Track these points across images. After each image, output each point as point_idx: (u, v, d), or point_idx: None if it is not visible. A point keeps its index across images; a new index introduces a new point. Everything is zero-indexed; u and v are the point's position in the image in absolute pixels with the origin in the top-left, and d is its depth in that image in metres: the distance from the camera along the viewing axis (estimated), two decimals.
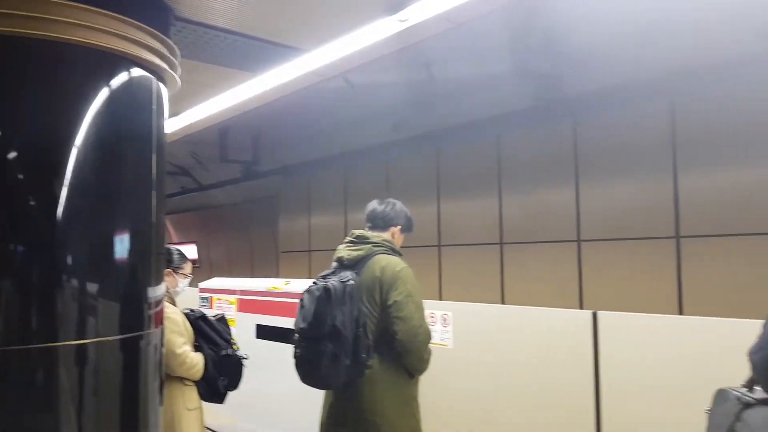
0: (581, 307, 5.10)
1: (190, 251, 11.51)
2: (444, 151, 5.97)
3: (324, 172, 7.25)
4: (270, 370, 3.99)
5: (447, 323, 3.27)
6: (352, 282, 2.45)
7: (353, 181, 6.98)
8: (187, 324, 2.98)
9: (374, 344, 2.49)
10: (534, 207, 5.37)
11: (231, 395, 4.39)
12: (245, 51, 2.93)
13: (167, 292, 3.06)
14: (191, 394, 2.94)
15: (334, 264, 2.66)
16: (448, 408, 3.25)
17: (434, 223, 6.15)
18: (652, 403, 2.46)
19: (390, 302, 2.45)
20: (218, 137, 6.85)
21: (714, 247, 4.21)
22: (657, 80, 4.07)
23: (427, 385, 3.32)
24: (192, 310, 3.08)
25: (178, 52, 2.53)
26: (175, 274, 3.08)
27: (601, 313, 2.69)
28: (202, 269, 11.24)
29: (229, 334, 3.10)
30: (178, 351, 2.85)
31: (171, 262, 3.09)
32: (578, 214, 4.99)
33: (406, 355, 2.46)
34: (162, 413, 2.48)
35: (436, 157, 6.04)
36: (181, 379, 2.92)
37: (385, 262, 2.53)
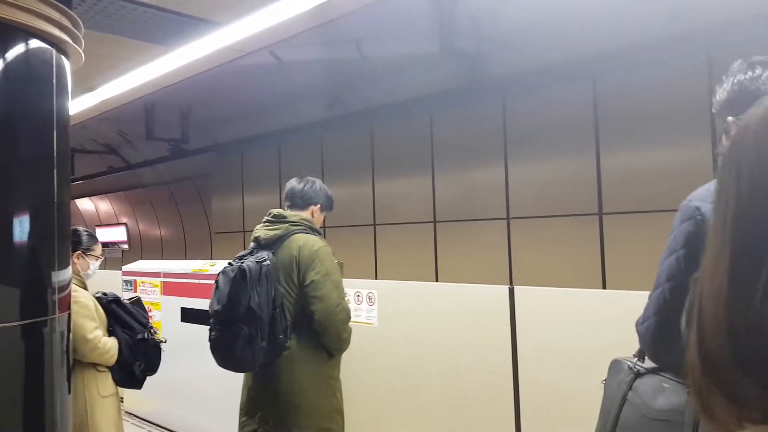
0: (511, 283, 5.24)
1: (119, 233, 11.09)
2: (378, 129, 5.95)
3: (257, 150, 7.10)
4: (196, 353, 3.90)
5: (372, 302, 3.27)
6: (268, 262, 2.40)
7: (287, 159, 6.86)
8: (99, 308, 2.86)
9: (292, 325, 2.47)
10: (465, 185, 5.44)
11: (158, 380, 4.29)
12: (157, 23, 2.79)
13: (78, 275, 2.93)
14: (105, 380, 2.84)
15: (252, 244, 2.61)
16: (374, 386, 3.27)
17: (369, 203, 6.15)
18: (567, 375, 2.54)
19: (307, 282, 2.43)
20: (144, 114, 6.57)
21: (634, 223, 4.39)
22: (581, 61, 4.16)
23: (352, 364, 3.33)
24: (105, 294, 2.96)
25: (81, 23, 2.38)
26: (85, 257, 2.95)
27: (517, 288, 2.75)
28: (132, 252, 10.86)
29: (146, 318, 3.00)
30: (89, 336, 2.73)
31: (80, 244, 2.95)
32: (507, 192, 5.09)
33: (324, 334, 2.45)
34: (71, 402, 2.38)
35: (370, 136, 6.02)
36: (95, 366, 2.80)
37: (303, 241, 2.49)
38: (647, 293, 2.35)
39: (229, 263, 2.47)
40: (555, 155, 4.78)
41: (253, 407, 2.56)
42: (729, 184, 0.53)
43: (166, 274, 4.48)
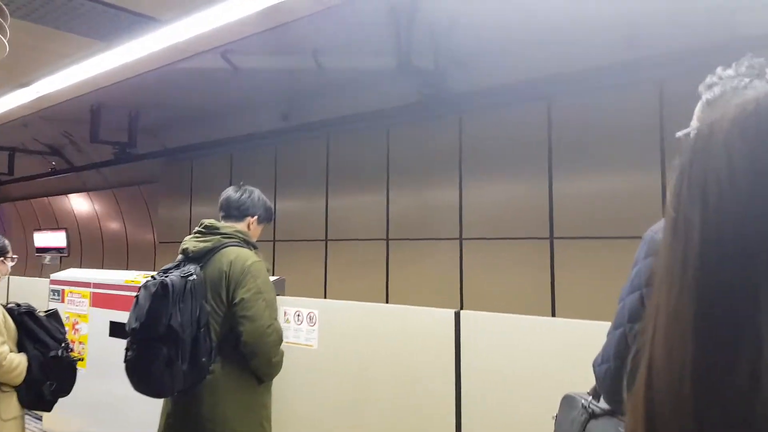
0: (461, 306, 5.14)
1: (59, 239, 10.57)
2: (333, 143, 5.81)
3: (209, 157, 6.86)
4: (124, 371, 3.63)
5: (313, 322, 3.10)
6: (194, 277, 2.21)
7: (240, 168, 6.64)
8: (9, 321, 2.61)
9: (218, 347, 2.27)
10: (420, 203, 5.35)
11: (81, 399, 3.98)
12: (96, 17, 2.60)
13: None
14: (9, 401, 2.57)
15: (179, 257, 2.41)
16: (310, 412, 3.08)
17: (322, 217, 5.98)
18: (512, 404, 2.42)
19: (237, 300, 2.24)
20: (90, 115, 6.26)
21: (584, 249, 4.36)
22: (536, 83, 4.14)
23: (288, 388, 3.14)
24: (18, 305, 2.70)
25: (6, 12, 2.19)
26: (5, 262, 2.72)
27: (463, 313, 2.63)
28: (71, 259, 10.35)
29: (63, 333, 2.75)
30: None
31: (4, 249, 2.72)
32: (461, 212, 5.02)
33: (252, 358, 2.26)
34: None
35: (326, 149, 5.87)
36: None
37: (235, 255, 2.31)
38: (596, 323, 2.27)
39: (152, 276, 2.27)
40: (509, 176, 4.74)
41: None
42: (689, 211, 0.39)
43: (97, 285, 4.20)
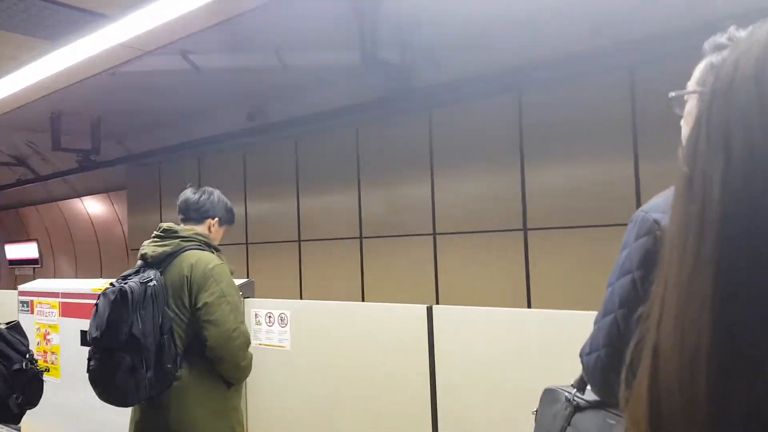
0: (437, 301, 5.11)
1: (30, 250, 10.31)
2: (302, 142, 5.74)
3: (175, 161, 6.73)
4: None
5: (284, 323, 3.03)
6: (154, 282, 2.14)
7: (208, 171, 6.53)
8: None
9: (184, 352, 2.20)
10: (392, 200, 5.30)
11: (57, 408, 3.87)
12: (35, 14, 2.48)
13: None
14: None
15: (139, 262, 2.33)
16: (284, 414, 3.02)
17: (294, 218, 5.91)
18: (486, 399, 2.39)
19: (200, 304, 2.17)
20: (50, 122, 6.09)
21: (558, 239, 4.36)
22: (505, 74, 4.12)
23: (261, 390, 3.08)
24: None
25: None
26: None
27: (436, 308, 2.59)
28: (44, 270, 10.11)
29: (25, 345, 2.65)
30: None
31: None
32: (434, 207, 4.99)
33: (219, 363, 2.20)
34: None
35: (294, 149, 5.79)
36: None
37: (195, 258, 2.24)
38: (572, 312, 2.25)
39: (111, 284, 2.19)
40: (481, 169, 4.72)
41: None
42: (708, 165, 0.31)
43: (65, 294, 4.08)
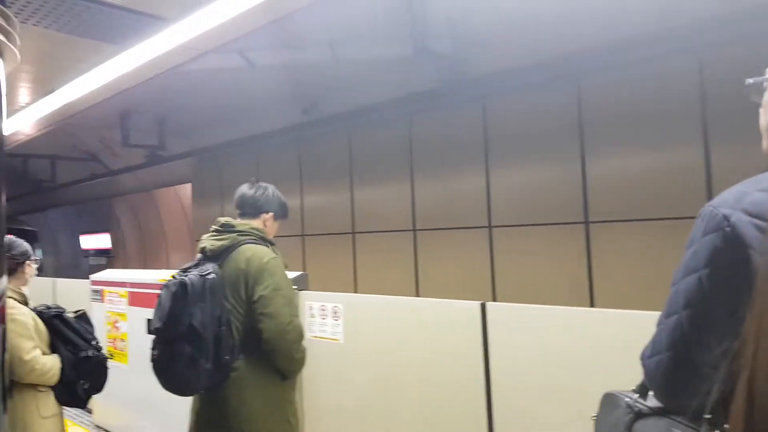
0: (494, 296, 5.05)
1: (103, 240, 10.88)
2: (356, 134, 5.78)
3: (236, 155, 6.92)
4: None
5: (338, 316, 3.08)
6: (213, 275, 2.21)
7: (265, 164, 6.69)
8: (40, 324, 2.67)
9: (241, 344, 2.27)
10: (446, 192, 5.27)
11: (127, 393, 4.09)
12: (100, 20, 2.61)
13: (17, 289, 2.74)
14: (46, 400, 2.65)
15: (198, 256, 2.41)
16: (338, 406, 3.07)
17: (348, 210, 5.97)
18: (545, 402, 2.34)
19: (256, 297, 2.23)
20: (119, 120, 6.39)
21: (622, 232, 4.21)
22: (563, 60, 4.00)
23: (316, 382, 3.14)
24: (48, 307, 2.77)
25: (15, 19, 2.21)
26: (30, 264, 2.78)
27: (490, 305, 2.56)
28: (117, 260, 10.66)
29: (92, 333, 2.81)
30: (26, 357, 2.56)
31: (27, 253, 2.78)
32: (489, 199, 4.92)
33: (274, 355, 2.25)
34: (5, 422, 2.18)
35: (348, 141, 5.84)
36: (35, 386, 2.63)
37: (251, 252, 2.29)
38: (637, 312, 2.16)
39: (172, 276, 2.28)
40: (538, 159, 4.61)
41: None
42: None
43: (133, 284, 4.29)
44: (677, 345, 1.11)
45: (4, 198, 2.19)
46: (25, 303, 2.75)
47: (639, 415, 1.22)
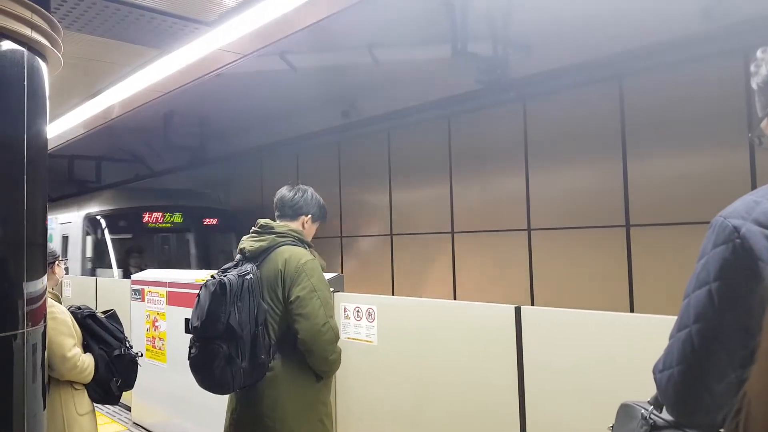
0: (532, 299, 4.97)
1: None
2: (394, 136, 5.77)
3: (276, 157, 7.01)
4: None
5: (372, 318, 3.07)
6: (251, 276, 2.23)
7: (305, 166, 6.75)
8: (75, 324, 2.75)
9: (277, 344, 2.29)
10: (485, 194, 5.21)
11: (164, 391, 4.17)
12: (143, 25, 2.68)
13: (51, 289, 2.83)
14: (82, 398, 2.72)
15: (238, 256, 2.44)
16: (372, 407, 3.07)
17: (386, 211, 5.97)
18: (579, 409, 2.29)
19: (292, 298, 2.24)
20: (163, 123, 6.55)
21: (665, 236, 4.09)
22: (605, 62, 3.91)
23: (350, 383, 3.14)
24: (79, 308, 2.85)
25: (59, 26, 2.28)
26: (58, 265, 2.88)
27: (524, 309, 2.51)
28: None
29: (122, 332, 2.87)
30: (69, 355, 2.63)
31: (54, 256, 2.88)
32: (528, 201, 4.85)
33: (309, 355, 2.26)
34: (45, 420, 2.25)
35: (387, 143, 5.85)
36: (71, 383, 2.71)
37: (289, 254, 2.31)
38: (668, 317, 2.10)
39: (212, 276, 2.31)
40: (579, 161, 4.52)
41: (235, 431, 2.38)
42: None
43: (171, 284, 4.38)
44: (688, 359, 1.09)
45: (46, 198, 2.26)
46: (59, 301, 2.84)
47: (654, 427, 1.21)
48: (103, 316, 2.83)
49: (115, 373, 2.72)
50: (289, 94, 5.67)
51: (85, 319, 2.75)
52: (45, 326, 2.25)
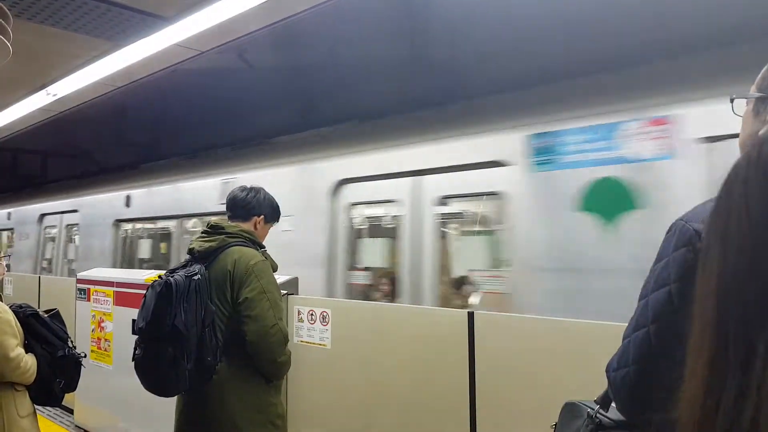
0: None
1: None
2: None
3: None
4: None
5: (326, 322, 3.06)
6: (198, 276, 2.19)
7: None
8: (17, 323, 2.64)
9: (225, 346, 2.25)
10: None
11: (109, 393, 4.03)
12: (98, 16, 2.61)
13: None
14: (23, 399, 2.62)
15: (187, 256, 2.40)
16: (324, 411, 3.05)
17: None
18: (526, 409, 2.34)
19: (241, 299, 2.22)
20: (114, 118, 6.37)
21: None
22: None
23: (303, 386, 3.11)
24: (20, 306, 2.74)
25: (8, 13, 2.20)
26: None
27: (477, 313, 2.55)
28: None
29: (65, 332, 2.78)
30: (12, 355, 2.53)
31: None
32: None
33: (258, 358, 2.23)
34: None
35: None
36: (13, 384, 2.60)
37: (239, 254, 2.28)
38: (610, 324, 2.16)
39: (159, 276, 2.26)
40: None
41: None
42: (716, 237, 0.38)
43: (119, 284, 4.25)
44: (644, 359, 1.11)
45: None
46: (0, 300, 2.72)
47: (600, 426, 1.22)
48: (45, 316, 2.72)
49: (57, 374, 2.62)
50: (246, 94, 5.60)
51: (27, 318, 2.64)
52: None
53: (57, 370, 2.62)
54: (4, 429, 2.58)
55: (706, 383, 0.36)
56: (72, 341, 2.74)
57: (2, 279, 2.75)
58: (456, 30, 3.93)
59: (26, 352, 2.61)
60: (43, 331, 2.65)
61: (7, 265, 2.94)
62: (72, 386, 2.69)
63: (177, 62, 3.24)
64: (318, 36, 4.13)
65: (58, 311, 2.83)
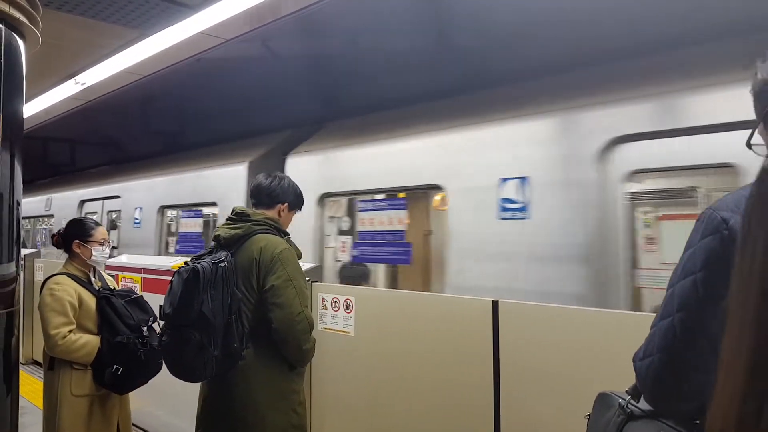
0: None
1: None
2: None
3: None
4: None
5: (350, 309, 3.07)
6: (225, 263, 2.21)
7: None
8: (90, 304, 2.71)
9: (251, 333, 2.27)
10: None
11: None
12: (124, 5, 2.62)
13: (80, 266, 2.83)
14: (81, 379, 2.69)
15: (212, 243, 2.42)
16: (347, 397, 3.07)
17: None
18: (551, 400, 2.32)
19: (267, 287, 2.23)
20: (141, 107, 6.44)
21: None
22: None
23: (326, 373, 3.14)
24: (112, 291, 2.86)
25: (38, 2, 2.23)
26: (85, 244, 2.82)
27: (502, 302, 2.53)
28: None
29: (135, 320, 2.79)
30: (52, 332, 2.64)
31: (76, 235, 2.83)
32: None
33: (283, 345, 2.25)
34: (9, 404, 2.20)
35: None
36: (70, 363, 2.69)
37: (265, 242, 2.29)
38: (645, 314, 2.11)
39: (185, 263, 2.28)
40: None
41: (206, 420, 2.36)
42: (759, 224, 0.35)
43: (147, 270, 4.32)
44: (669, 348, 1.10)
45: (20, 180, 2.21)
46: (87, 278, 2.80)
47: (631, 416, 1.22)
48: (121, 301, 2.77)
49: (116, 360, 2.65)
50: (271, 83, 5.60)
51: (100, 300, 2.72)
52: (13, 310, 2.20)
53: (114, 356, 2.66)
54: (56, 405, 2.66)
55: (745, 388, 0.34)
56: (144, 330, 2.75)
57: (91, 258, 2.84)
58: None
59: (97, 334, 2.69)
60: (109, 314, 2.70)
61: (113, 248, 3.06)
62: (130, 376, 2.67)
63: (201, 51, 3.25)
64: (341, 24, 4.10)
65: (138, 298, 2.88)
